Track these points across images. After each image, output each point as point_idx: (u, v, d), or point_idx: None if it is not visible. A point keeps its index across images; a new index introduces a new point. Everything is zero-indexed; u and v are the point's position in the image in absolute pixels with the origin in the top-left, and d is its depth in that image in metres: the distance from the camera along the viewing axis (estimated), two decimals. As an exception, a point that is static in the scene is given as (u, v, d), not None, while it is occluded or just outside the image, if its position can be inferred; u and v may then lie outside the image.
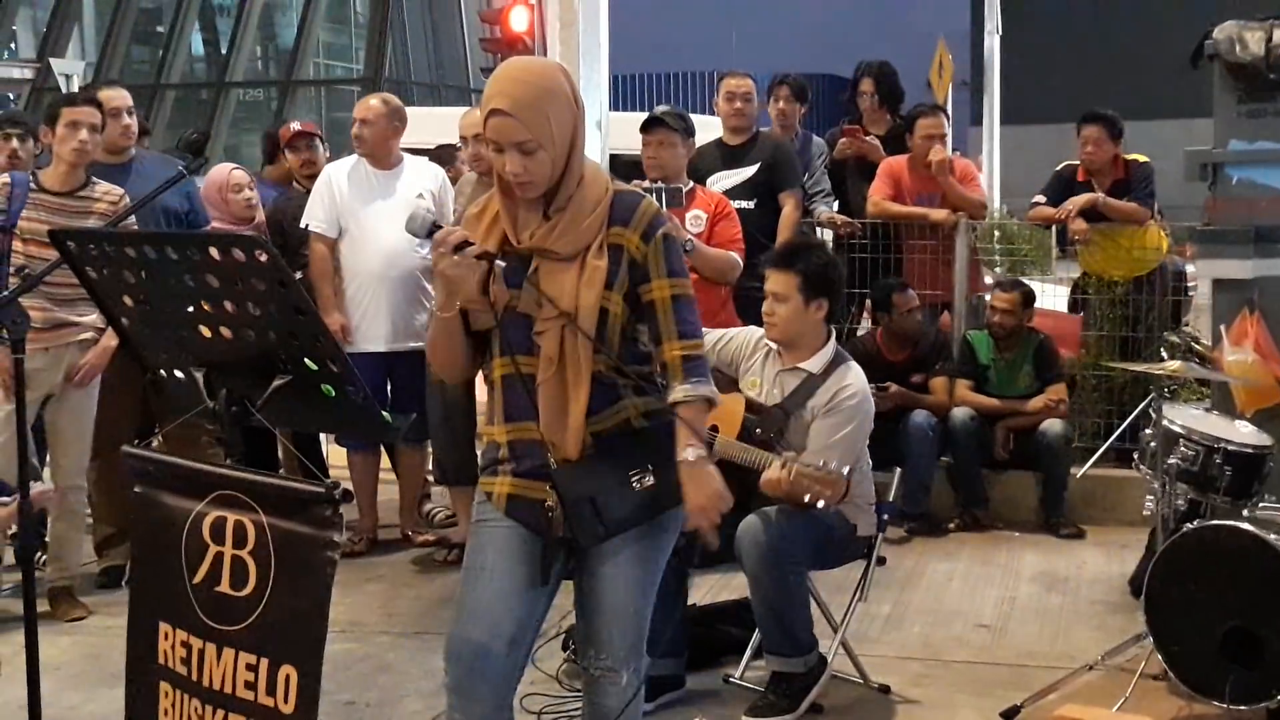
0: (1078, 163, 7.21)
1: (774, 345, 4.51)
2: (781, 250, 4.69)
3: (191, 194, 6.00)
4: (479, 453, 3.20)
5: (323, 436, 6.89)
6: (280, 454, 6.11)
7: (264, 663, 2.82)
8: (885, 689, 4.57)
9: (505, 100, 2.84)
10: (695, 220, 5.78)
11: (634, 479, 2.94)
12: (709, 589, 5.36)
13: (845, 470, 4.06)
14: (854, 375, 4.43)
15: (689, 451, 2.94)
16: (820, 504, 4.01)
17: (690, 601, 4.76)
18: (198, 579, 2.94)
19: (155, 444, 3.47)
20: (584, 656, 3.13)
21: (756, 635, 4.59)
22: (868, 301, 7.34)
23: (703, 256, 5.60)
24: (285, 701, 2.78)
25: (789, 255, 4.51)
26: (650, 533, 3.04)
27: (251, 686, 2.84)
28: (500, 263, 2.93)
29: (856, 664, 4.61)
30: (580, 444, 2.93)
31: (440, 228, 2.91)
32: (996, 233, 10.08)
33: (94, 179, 5.39)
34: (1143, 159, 7.18)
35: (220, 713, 2.89)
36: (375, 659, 4.91)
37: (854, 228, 7.21)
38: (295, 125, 7.25)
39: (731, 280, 5.82)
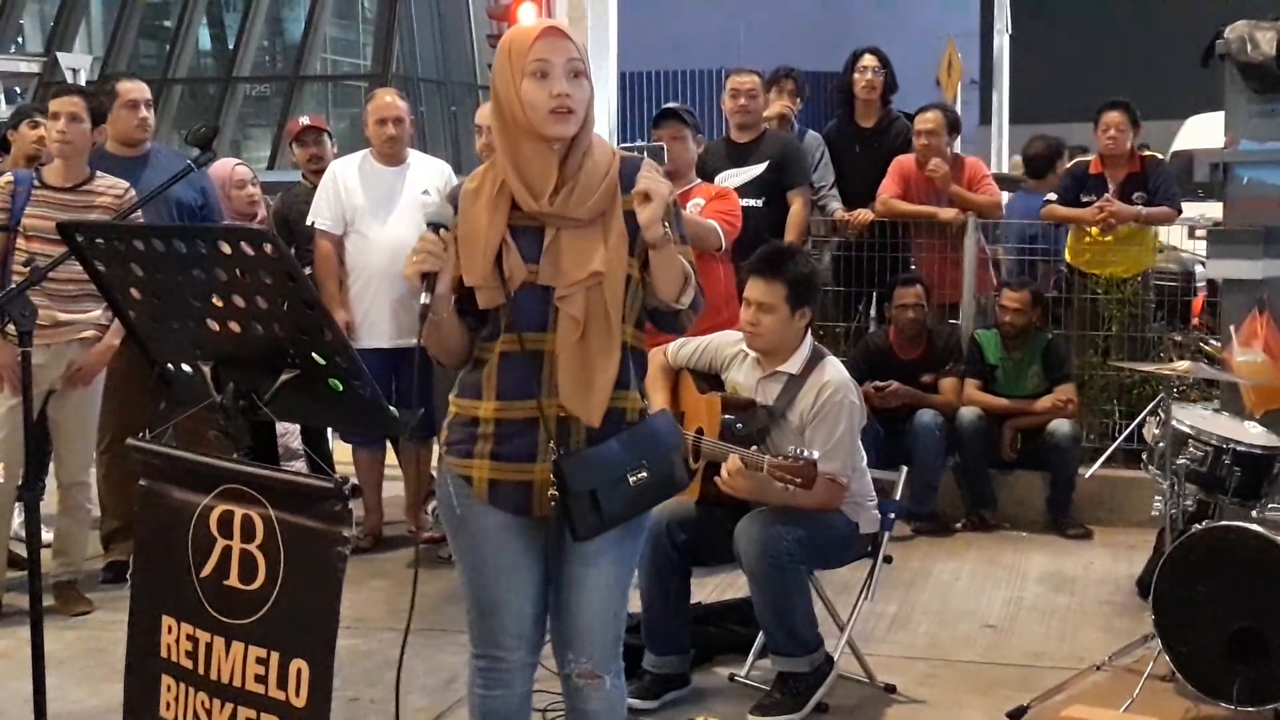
0: (1088, 160, 7.18)
1: (753, 353, 4.48)
2: (765, 257, 4.43)
3: (206, 189, 5.98)
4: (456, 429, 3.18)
5: (329, 433, 6.89)
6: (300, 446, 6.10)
7: (275, 656, 2.82)
8: (891, 688, 4.56)
9: (555, 28, 2.92)
10: (694, 207, 5.74)
11: (630, 475, 2.92)
12: (714, 587, 5.35)
13: (816, 455, 4.05)
14: (832, 369, 4.40)
15: None
16: (791, 489, 4.03)
17: (695, 600, 4.75)
18: (205, 573, 2.94)
19: (167, 436, 3.45)
20: (561, 660, 3.10)
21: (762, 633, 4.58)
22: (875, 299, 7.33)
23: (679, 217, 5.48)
24: (297, 695, 2.79)
25: (774, 263, 4.37)
26: (630, 532, 3.02)
27: (262, 680, 2.84)
28: (510, 239, 2.90)
29: (862, 663, 4.60)
30: (604, 412, 2.90)
31: (444, 227, 2.89)
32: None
33: (97, 173, 5.34)
34: (1158, 155, 7.15)
35: (229, 706, 2.89)
36: (380, 655, 4.90)
37: (864, 226, 7.18)
38: (304, 120, 7.26)
39: (709, 248, 5.69)
